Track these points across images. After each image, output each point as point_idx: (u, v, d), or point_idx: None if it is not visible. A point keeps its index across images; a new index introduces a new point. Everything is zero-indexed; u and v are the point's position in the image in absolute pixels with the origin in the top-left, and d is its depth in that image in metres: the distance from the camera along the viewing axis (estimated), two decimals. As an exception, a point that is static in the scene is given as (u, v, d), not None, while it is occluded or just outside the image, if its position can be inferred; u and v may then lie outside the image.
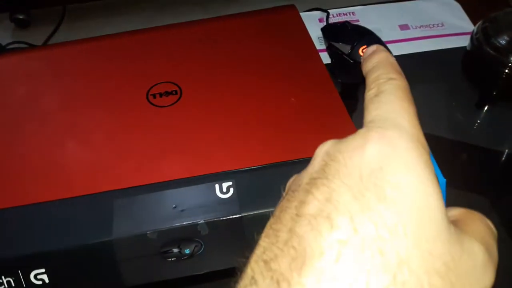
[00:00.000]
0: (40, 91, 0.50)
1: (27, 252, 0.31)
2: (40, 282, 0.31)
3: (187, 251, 0.32)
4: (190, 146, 0.44)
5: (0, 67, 0.53)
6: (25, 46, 0.67)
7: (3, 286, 0.31)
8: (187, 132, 0.45)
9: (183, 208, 0.33)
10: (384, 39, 0.55)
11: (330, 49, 0.57)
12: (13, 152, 0.45)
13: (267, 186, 0.34)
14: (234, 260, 0.33)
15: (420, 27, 0.62)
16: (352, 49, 0.54)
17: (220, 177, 0.34)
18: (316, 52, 0.53)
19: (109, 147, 0.44)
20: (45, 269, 0.31)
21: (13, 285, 0.31)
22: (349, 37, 0.55)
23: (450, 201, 0.23)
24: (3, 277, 0.31)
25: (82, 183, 0.42)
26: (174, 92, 0.49)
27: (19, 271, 0.31)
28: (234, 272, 0.33)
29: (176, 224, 0.32)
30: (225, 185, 0.34)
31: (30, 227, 0.32)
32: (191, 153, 0.44)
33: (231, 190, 0.33)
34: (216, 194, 0.33)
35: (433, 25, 0.61)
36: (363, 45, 0.53)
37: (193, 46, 0.54)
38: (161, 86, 0.50)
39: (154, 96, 0.49)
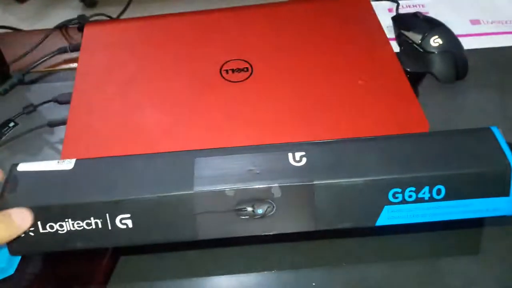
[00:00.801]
0: (127, 60, 0.54)
1: (116, 198, 0.34)
2: (124, 227, 0.34)
3: (259, 211, 0.34)
4: (261, 119, 0.46)
5: (89, 35, 0.57)
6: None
7: (91, 227, 0.34)
8: (259, 105, 0.48)
9: (259, 171, 0.35)
10: (454, 32, 0.56)
11: (399, 38, 0.58)
12: (108, 111, 0.49)
13: (336, 159, 0.36)
14: (303, 224, 0.35)
15: (492, 23, 0.61)
16: (423, 38, 0.54)
17: (293, 147, 0.36)
18: (385, 38, 0.54)
19: (186, 114, 0.47)
20: (130, 214, 0.34)
21: (100, 226, 0.34)
22: (420, 27, 0.56)
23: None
24: (92, 218, 0.34)
25: (166, 143, 0.45)
26: (245, 69, 0.51)
27: (107, 214, 0.34)
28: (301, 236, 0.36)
29: (252, 185, 0.34)
30: (298, 154, 0.36)
31: (121, 176, 0.35)
32: (264, 124, 0.46)
33: (304, 159, 0.35)
34: (289, 162, 0.35)
35: (506, 21, 0.61)
36: (435, 35, 0.54)
37: (265, 27, 0.56)
38: (233, 63, 0.52)
39: (226, 71, 0.51)
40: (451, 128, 0.48)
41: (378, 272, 0.40)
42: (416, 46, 0.55)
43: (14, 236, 0.33)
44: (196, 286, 0.40)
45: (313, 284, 0.39)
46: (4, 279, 0.39)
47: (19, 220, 0.33)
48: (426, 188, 0.34)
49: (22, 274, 0.39)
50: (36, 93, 0.58)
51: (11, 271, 0.39)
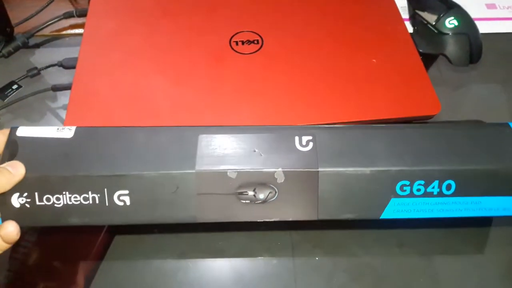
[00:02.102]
0: (135, 27, 0.52)
1: (115, 172, 0.33)
2: (122, 203, 0.33)
3: (261, 195, 0.33)
4: (270, 94, 0.45)
5: (97, 1, 0.55)
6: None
7: (88, 202, 0.33)
8: (267, 81, 0.46)
9: (263, 153, 0.34)
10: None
11: (414, 18, 0.56)
12: (114, 79, 0.47)
13: (344, 146, 0.34)
14: (305, 213, 0.34)
15: (508, 8, 0.60)
16: (438, 19, 0.53)
17: (300, 130, 0.35)
18: (400, 17, 0.52)
19: (193, 86, 0.46)
20: (129, 191, 0.33)
21: (97, 202, 0.33)
22: (436, 7, 0.54)
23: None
24: (90, 192, 0.33)
25: (168, 116, 0.44)
26: (255, 42, 0.49)
27: (105, 189, 0.33)
28: (302, 225, 0.35)
29: (255, 168, 0.33)
30: (304, 138, 0.34)
31: (122, 149, 0.34)
32: (272, 99, 0.45)
33: (310, 144, 0.34)
34: (295, 146, 0.34)
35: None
36: (451, 16, 0.52)
37: (278, 0, 0.54)
38: (244, 34, 0.50)
39: (236, 43, 0.49)
40: (459, 112, 0.47)
41: (376, 266, 0.39)
42: (430, 26, 0.53)
43: (13, 183, 0.33)
44: (191, 268, 0.40)
45: (316, 258, 0.39)
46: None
47: (14, 169, 0.33)
48: (436, 182, 0.33)
49: (16, 247, 0.38)
50: (40, 57, 0.56)
51: None
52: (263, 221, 0.34)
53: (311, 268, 0.39)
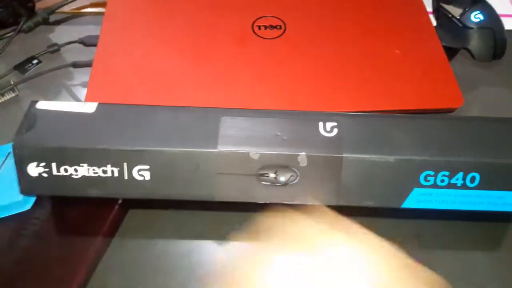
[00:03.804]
0: (158, 7, 0.52)
1: (137, 147, 0.32)
2: (141, 178, 0.33)
3: (282, 178, 0.33)
4: (291, 81, 0.45)
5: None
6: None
7: (106, 175, 0.33)
8: (290, 67, 0.46)
9: (286, 137, 0.33)
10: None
11: (437, 11, 0.56)
12: (135, 58, 0.47)
13: (369, 133, 0.34)
14: (325, 198, 0.33)
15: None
16: (464, 13, 0.52)
17: (324, 116, 0.35)
18: (424, 9, 0.52)
19: (215, 69, 0.46)
20: (149, 166, 0.33)
21: (117, 175, 0.33)
22: (461, 1, 0.53)
23: None
24: (109, 165, 0.33)
25: (188, 97, 0.44)
26: (278, 27, 0.49)
27: (125, 163, 0.33)
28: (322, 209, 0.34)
29: (278, 151, 0.32)
30: (329, 124, 0.34)
31: (144, 126, 0.34)
32: (292, 88, 0.44)
33: (335, 130, 0.34)
34: (319, 131, 0.34)
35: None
36: (476, 10, 0.52)
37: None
38: (266, 19, 0.50)
39: (259, 27, 0.49)
40: (479, 108, 0.47)
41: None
42: (455, 20, 0.53)
43: None
44: (204, 248, 0.39)
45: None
46: (18, 214, 0.38)
47: None
48: (460, 174, 0.33)
49: (26, 220, 0.38)
50: (60, 34, 0.56)
51: (28, 207, 0.38)
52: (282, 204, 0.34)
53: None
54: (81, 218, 0.40)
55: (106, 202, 0.40)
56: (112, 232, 0.39)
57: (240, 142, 0.33)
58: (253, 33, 0.48)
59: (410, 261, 0.38)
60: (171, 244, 0.39)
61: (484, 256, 0.39)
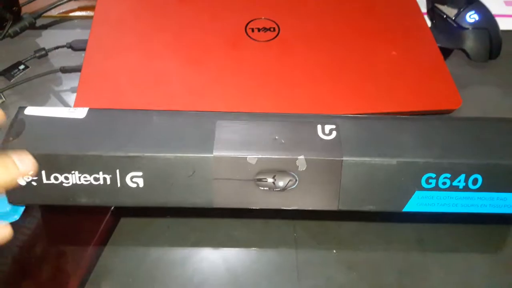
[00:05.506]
0: (148, 11, 0.51)
1: (129, 153, 0.31)
2: (134, 185, 0.32)
3: (280, 183, 0.32)
4: (285, 83, 0.44)
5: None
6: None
7: (98, 182, 0.32)
8: (283, 70, 0.45)
9: (284, 141, 0.32)
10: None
11: (432, 11, 0.55)
12: (125, 62, 0.46)
13: (369, 135, 0.33)
14: (325, 203, 0.33)
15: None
16: (459, 13, 0.52)
17: (322, 118, 0.34)
18: (419, 9, 0.52)
19: (207, 72, 0.45)
20: (142, 172, 0.31)
21: (109, 183, 0.32)
22: (456, 1, 0.53)
23: None
24: (101, 172, 0.32)
25: (180, 100, 0.42)
26: (272, 29, 0.48)
27: (117, 170, 0.31)
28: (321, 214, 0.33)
29: (276, 155, 0.31)
30: (327, 127, 0.33)
31: (136, 131, 0.32)
32: (286, 91, 0.43)
33: (333, 133, 0.33)
34: (318, 134, 0.33)
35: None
36: (471, 11, 0.51)
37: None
38: (260, 21, 0.49)
39: (252, 30, 0.48)
40: (476, 108, 0.46)
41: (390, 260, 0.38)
42: (450, 20, 0.52)
43: (16, 179, 0.30)
44: (197, 256, 0.38)
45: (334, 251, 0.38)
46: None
47: (19, 163, 0.30)
48: (462, 176, 0.32)
49: (18, 229, 0.37)
50: (47, 38, 0.55)
51: (16, 217, 0.37)
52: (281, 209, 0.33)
53: (329, 260, 0.38)
54: (72, 227, 0.39)
55: (98, 210, 0.39)
56: (103, 241, 0.38)
57: (236, 147, 0.32)
58: (246, 35, 0.48)
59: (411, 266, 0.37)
60: (165, 252, 0.38)
61: (485, 260, 0.38)
